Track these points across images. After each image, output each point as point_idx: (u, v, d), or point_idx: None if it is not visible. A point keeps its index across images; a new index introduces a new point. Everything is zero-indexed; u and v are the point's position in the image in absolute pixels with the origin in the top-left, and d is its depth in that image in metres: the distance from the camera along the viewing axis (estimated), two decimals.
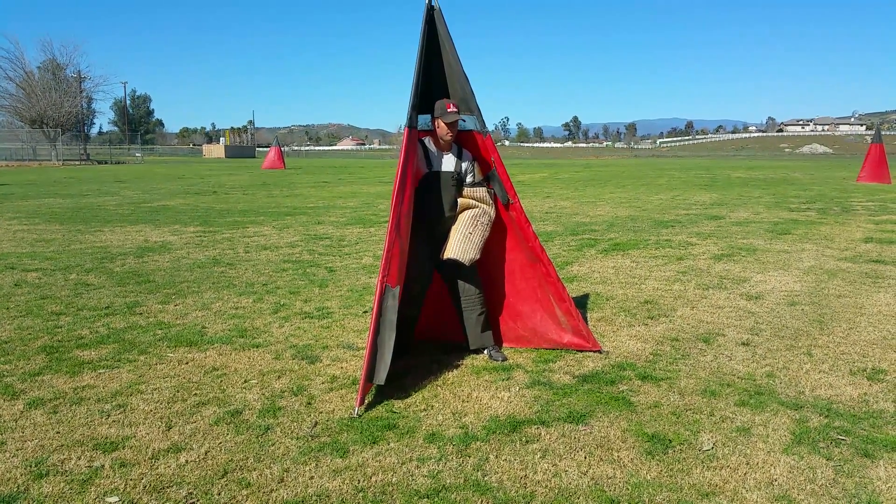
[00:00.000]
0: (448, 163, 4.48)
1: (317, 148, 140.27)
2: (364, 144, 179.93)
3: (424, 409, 3.74)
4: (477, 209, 4.52)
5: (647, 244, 9.79)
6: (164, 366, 4.43)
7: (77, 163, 49.41)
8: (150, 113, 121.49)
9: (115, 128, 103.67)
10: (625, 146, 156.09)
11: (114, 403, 3.77)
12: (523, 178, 30.02)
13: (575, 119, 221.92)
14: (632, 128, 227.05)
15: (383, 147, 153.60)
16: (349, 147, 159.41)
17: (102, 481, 2.90)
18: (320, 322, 5.57)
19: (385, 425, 3.50)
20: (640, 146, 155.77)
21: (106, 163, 50.64)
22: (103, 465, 3.03)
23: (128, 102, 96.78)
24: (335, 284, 7.03)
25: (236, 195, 19.38)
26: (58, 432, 3.39)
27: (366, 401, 3.77)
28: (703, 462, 3.14)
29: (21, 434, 3.37)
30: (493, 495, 2.83)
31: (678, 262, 8.37)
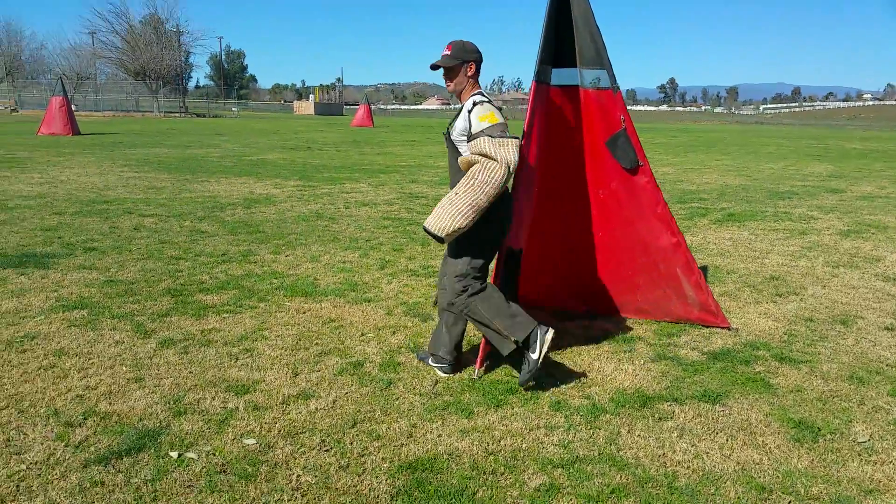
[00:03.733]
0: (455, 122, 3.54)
1: (402, 107, 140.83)
2: (449, 104, 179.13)
3: (546, 376, 3.62)
4: (477, 165, 3.33)
5: (765, 216, 9.22)
6: (284, 314, 4.50)
7: (177, 115, 51.64)
8: (244, 68, 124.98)
9: (211, 82, 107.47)
10: (724, 111, 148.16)
11: (240, 347, 3.86)
12: None
13: (671, 81, 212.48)
14: (733, 92, 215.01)
15: None
16: (434, 106, 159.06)
17: (238, 423, 2.96)
18: (427, 280, 5.52)
19: (507, 389, 3.41)
20: (741, 112, 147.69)
21: (203, 116, 52.65)
22: (237, 407, 3.10)
23: (223, 57, 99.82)
24: (437, 244, 6.96)
25: (329, 152, 19.67)
26: (191, 372, 3.49)
27: (485, 363, 3.68)
28: (860, 455, 2.89)
29: (157, 372, 3.49)
30: (631, 472, 2.70)
31: (801, 236, 7.83)
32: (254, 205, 9.13)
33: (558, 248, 4.60)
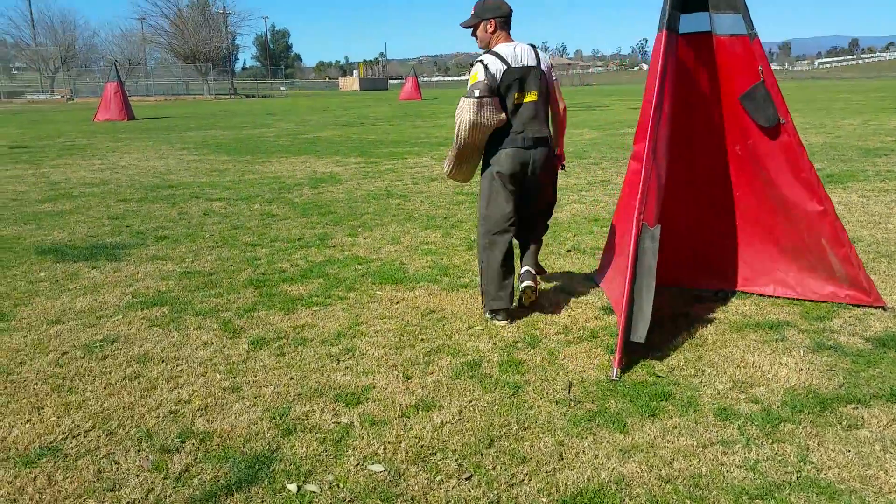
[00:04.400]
0: None
1: (446, 78, 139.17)
2: None
3: (695, 375, 3.10)
4: None
5: (867, 176, 8.38)
6: (378, 305, 4.09)
7: (227, 97, 51.92)
8: (289, 48, 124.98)
9: (258, 63, 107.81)
10: (778, 67, 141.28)
11: (340, 347, 3.45)
12: None
13: None
14: (785, 47, 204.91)
15: None
16: None
17: (357, 443, 2.55)
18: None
19: (657, 394, 2.91)
20: (794, 68, 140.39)
21: (253, 97, 52.84)
22: (352, 423, 2.69)
23: (268, 37, 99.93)
24: None
25: (383, 126, 19.24)
26: (291, 378, 3.10)
27: (623, 361, 3.18)
28: None
29: (254, 378, 3.11)
30: (845, 501, 2.18)
31: None
32: (320, 184, 8.76)
33: (688, 218, 4.05)
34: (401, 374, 3.12)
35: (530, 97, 3.66)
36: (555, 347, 3.42)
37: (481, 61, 3.62)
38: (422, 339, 3.54)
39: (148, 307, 4.08)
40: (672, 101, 3.52)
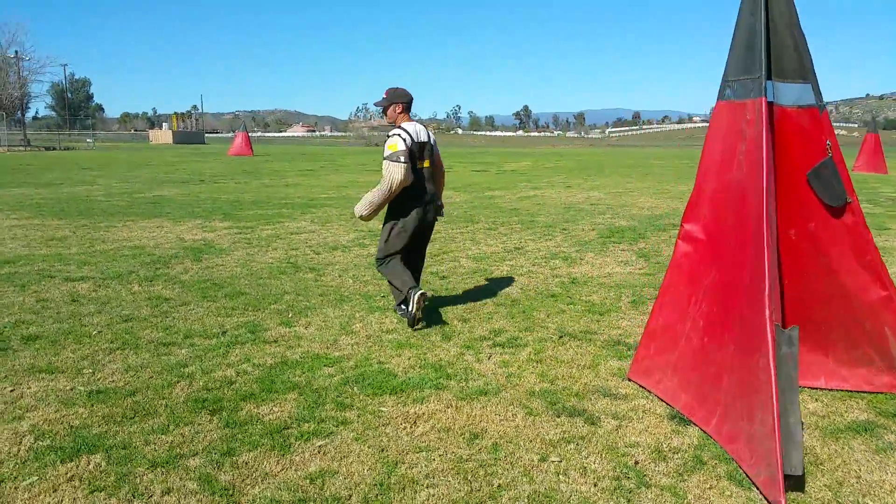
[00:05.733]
0: None
1: (267, 134, 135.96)
2: (314, 131, 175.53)
3: (834, 499, 2.56)
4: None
5: None
6: (395, 430, 3.11)
7: (21, 149, 45.45)
8: (90, 97, 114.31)
9: (52, 112, 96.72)
10: (576, 135, 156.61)
11: None
12: (509, 166, 28.94)
13: (525, 108, 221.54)
14: (581, 117, 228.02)
15: (336, 134, 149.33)
16: (300, 134, 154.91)
17: None
18: (520, 353, 4.29)
19: None
20: (590, 136, 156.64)
21: (53, 149, 46.76)
22: None
23: (67, 86, 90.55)
24: (473, 299, 5.74)
25: (228, 184, 17.63)
26: None
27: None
28: None
29: None
30: None
31: None
32: (201, 255, 7.37)
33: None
34: None
35: (426, 164, 4.80)
36: (671, 485, 2.71)
37: (398, 135, 4.64)
38: (498, 485, 2.65)
39: (70, 457, 2.74)
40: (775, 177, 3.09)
